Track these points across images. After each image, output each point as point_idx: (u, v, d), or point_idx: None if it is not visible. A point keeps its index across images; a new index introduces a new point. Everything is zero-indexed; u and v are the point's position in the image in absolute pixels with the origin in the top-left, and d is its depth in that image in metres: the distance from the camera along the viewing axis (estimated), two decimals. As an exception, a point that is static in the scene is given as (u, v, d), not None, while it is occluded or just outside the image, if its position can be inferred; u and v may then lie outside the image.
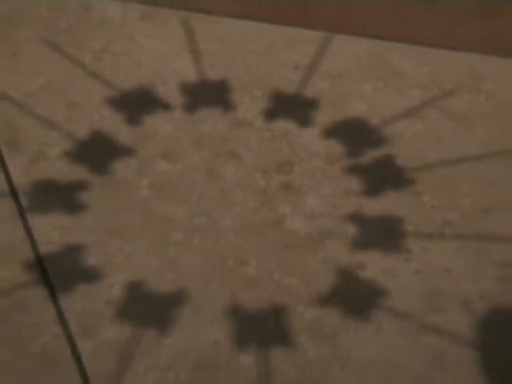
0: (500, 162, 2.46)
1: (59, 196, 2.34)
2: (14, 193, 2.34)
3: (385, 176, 2.42)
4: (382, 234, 2.29)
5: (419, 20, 2.88)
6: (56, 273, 2.17)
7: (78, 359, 2.01)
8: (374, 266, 2.21)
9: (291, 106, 2.60)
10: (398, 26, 2.85)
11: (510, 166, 2.45)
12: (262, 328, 2.09)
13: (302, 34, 2.82)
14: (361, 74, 2.70)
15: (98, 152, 2.45)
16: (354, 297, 2.15)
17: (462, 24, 2.87)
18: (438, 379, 2.01)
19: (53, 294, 2.13)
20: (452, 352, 2.05)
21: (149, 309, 2.12)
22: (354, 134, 2.52)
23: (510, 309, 2.14)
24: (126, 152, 2.46)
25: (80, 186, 2.37)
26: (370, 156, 2.47)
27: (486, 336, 2.08)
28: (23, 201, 2.32)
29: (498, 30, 2.85)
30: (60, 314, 2.09)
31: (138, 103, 2.59)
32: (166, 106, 2.59)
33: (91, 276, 2.17)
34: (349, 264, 2.22)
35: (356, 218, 2.32)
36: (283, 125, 2.55)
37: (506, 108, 2.60)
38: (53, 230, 2.26)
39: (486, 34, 2.83)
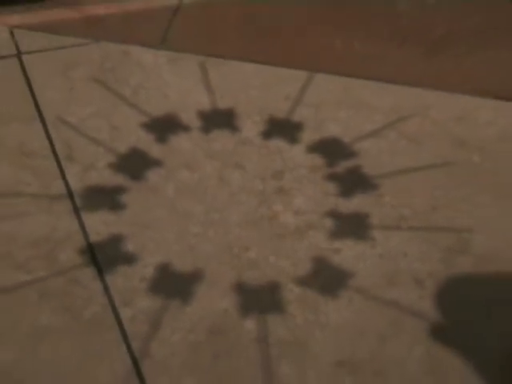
0: (442, 171, 2.44)
1: (105, 198, 2.31)
2: (70, 195, 2.32)
3: (355, 182, 2.40)
4: (353, 227, 2.26)
5: (381, 62, 2.86)
6: (102, 257, 2.15)
7: (119, 323, 2.00)
8: (347, 251, 2.19)
9: (283, 128, 2.57)
10: (365, 67, 2.83)
11: (450, 174, 2.42)
12: (260, 300, 2.07)
13: (290, 73, 2.79)
14: (336, 104, 2.67)
15: (134, 164, 2.43)
16: (331, 275, 2.13)
17: (414, 65, 2.86)
18: (395, 337, 1.99)
19: (100, 274, 2.11)
20: (406, 318, 2.03)
21: (174, 284, 2.10)
22: (331, 150, 2.50)
23: (452, 284, 2.12)
24: (156, 163, 2.43)
25: (120, 189, 2.34)
26: (343, 166, 2.45)
27: (433, 305, 2.06)
28: (77, 201, 2.30)
29: (440, 70, 2.83)
30: (106, 289, 2.07)
31: (165, 126, 2.56)
32: (186, 128, 2.57)
33: (129, 259, 2.15)
34: (327, 249, 2.20)
35: (333, 214, 2.30)
36: (276, 142, 2.53)
37: (446, 130, 2.58)
38: (100, 224, 2.24)
39: (432, 72, 2.82)
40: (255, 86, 2.75)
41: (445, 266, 2.16)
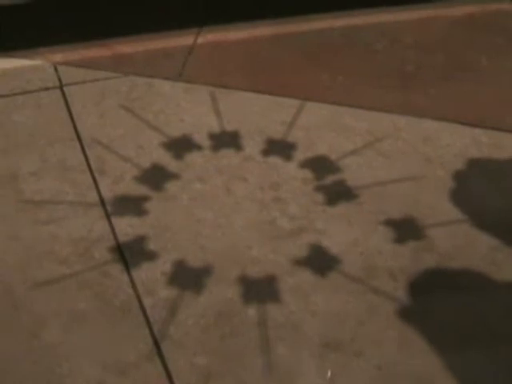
0: (412, 183, 2.42)
1: (131, 205, 2.31)
2: (102, 203, 2.31)
3: (339, 192, 2.38)
4: (339, 230, 2.25)
5: (361, 92, 2.86)
6: (129, 254, 2.14)
7: (143, 310, 1.99)
8: (334, 248, 2.18)
9: (279, 148, 2.56)
10: (347, 97, 2.83)
11: (418, 185, 2.41)
12: (261, 290, 2.05)
13: (285, 101, 2.78)
14: (323, 128, 2.66)
15: (155, 177, 2.42)
16: (320, 269, 2.12)
17: (388, 95, 2.85)
18: (374, 321, 1.98)
19: (127, 268, 2.10)
20: (383, 304, 2.02)
21: (188, 278, 2.09)
22: (320, 166, 2.49)
23: (419, 277, 2.11)
24: (174, 177, 2.42)
25: (144, 198, 2.33)
26: (330, 180, 2.43)
27: (404, 294, 2.05)
28: (108, 208, 2.29)
29: (409, 99, 2.83)
30: (132, 281, 2.06)
31: (181, 145, 2.56)
32: (199, 147, 2.56)
33: (151, 256, 2.14)
34: (318, 247, 2.18)
35: (321, 218, 2.29)
36: (274, 159, 2.52)
37: (415, 149, 2.57)
38: (127, 227, 2.23)
39: (403, 101, 2.81)
40: (256, 112, 2.74)
41: (413, 263, 2.14)
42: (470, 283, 2.10)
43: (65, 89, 2.83)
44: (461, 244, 2.21)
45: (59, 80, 2.88)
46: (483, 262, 2.15)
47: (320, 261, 2.15)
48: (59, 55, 3.04)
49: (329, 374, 1.86)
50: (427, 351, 1.91)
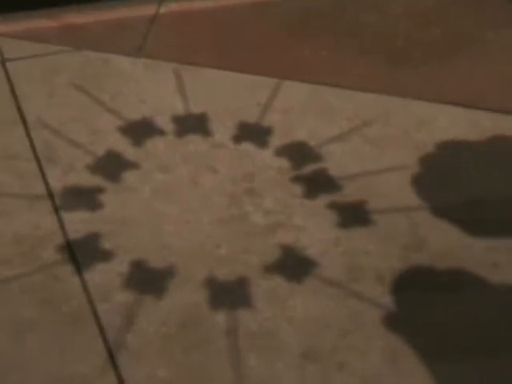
0: (400, 173, 2.45)
1: (83, 198, 2.32)
2: (50, 195, 2.32)
3: (320, 183, 2.41)
4: (318, 226, 2.27)
5: (347, 70, 2.88)
6: (81, 253, 2.15)
7: (96, 317, 2.00)
8: (313, 248, 2.21)
9: (253, 133, 2.58)
10: (330, 75, 2.85)
11: (410, 176, 2.44)
12: (230, 294, 2.07)
13: (260, 80, 2.80)
14: (303, 110, 2.69)
15: (111, 165, 2.43)
16: (298, 270, 2.14)
17: (377, 73, 2.88)
18: (358, 329, 2.00)
19: (78, 269, 2.11)
20: (367, 311, 2.05)
21: (148, 280, 2.10)
22: (298, 153, 2.51)
23: (407, 280, 2.14)
24: (132, 166, 2.44)
25: (98, 190, 2.35)
26: (309, 169, 2.46)
27: (392, 300, 2.08)
28: (57, 201, 2.30)
29: (400, 78, 2.86)
30: (84, 284, 2.07)
31: (141, 130, 2.57)
32: (161, 132, 2.57)
33: (106, 256, 2.15)
34: (294, 247, 2.21)
35: (299, 214, 2.31)
36: (247, 146, 2.54)
37: (406, 135, 2.60)
38: (78, 222, 2.24)
39: (393, 80, 2.84)
40: (227, 93, 2.75)
41: (403, 263, 2.17)
42: (463, 285, 2.14)
43: (7, 64, 2.82)
44: (455, 243, 2.24)
45: (1, 54, 2.87)
46: (479, 262, 2.19)
47: (298, 261, 2.18)
48: (0, 26, 3.03)
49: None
50: (416, 362, 1.94)
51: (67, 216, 2.26)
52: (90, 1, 3.15)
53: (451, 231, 2.27)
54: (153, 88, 2.76)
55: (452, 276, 2.15)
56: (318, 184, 2.41)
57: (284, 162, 2.48)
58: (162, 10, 3.19)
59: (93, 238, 2.20)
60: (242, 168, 2.46)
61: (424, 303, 2.08)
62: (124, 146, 2.50)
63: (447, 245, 2.23)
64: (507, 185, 2.43)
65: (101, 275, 2.10)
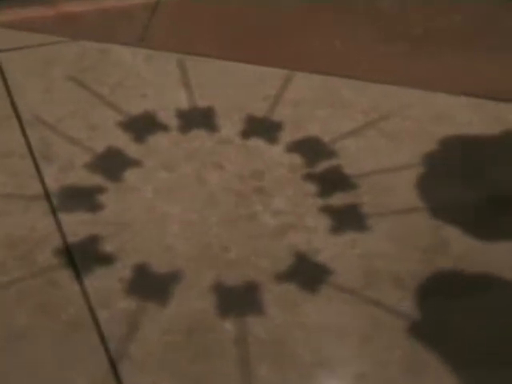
0: (419, 170, 2.46)
1: (82, 198, 2.32)
2: (47, 195, 2.33)
3: (334, 182, 2.41)
4: (333, 227, 2.27)
5: (361, 61, 2.88)
6: (80, 258, 2.16)
7: (97, 325, 2.00)
8: (327, 251, 2.21)
9: (262, 128, 2.59)
10: (344, 66, 2.85)
11: (429, 173, 2.44)
12: (239, 300, 2.08)
13: (270, 72, 2.80)
14: (315, 103, 2.69)
15: (111, 163, 2.44)
16: (311, 274, 2.15)
17: (394, 64, 2.87)
18: (376, 337, 2.00)
19: (77, 274, 2.12)
20: (386, 319, 2.05)
21: (152, 285, 2.11)
22: (311, 149, 2.51)
23: (430, 284, 2.14)
24: (134, 163, 2.44)
25: (98, 190, 2.35)
26: (322, 166, 2.46)
27: (412, 305, 2.08)
28: (54, 201, 2.31)
29: (419, 69, 2.85)
30: (83, 290, 2.08)
31: (143, 125, 2.57)
32: (165, 128, 2.58)
33: (107, 260, 2.16)
34: (307, 250, 2.21)
35: (312, 214, 2.31)
36: (256, 142, 2.54)
37: (426, 129, 2.60)
38: (77, 224, 2.25)
39: (412, 71, 2.84)
40: (234, 85, 2.76)
41: (423, 267, 2.17)
42: (490, 289, 2.14)
43: (0, 55, 2.83)
44: (479, 244, 2.24)
45: (-7, 45, 2.89)
46: (506, 264, 2.19)
47: (310, 265, 2.18)
48: (-8, 15, 3.05)
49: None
50: (441, 372, 1.94)
51: (65, 217, 2.27)
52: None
53: (474, 232, 2.27)
54: (155, 80, 2.77)
55: (477, 279, 2.15)
56: (331, 182, 2.41)
57: (295, 159, 2.49)
58: (165, -4, 3.21)
59: (92, 241, 2.21)
60: (251, 165, 2.46)
61: (447, 309, 2.08)
62: (125, 143, 2.51)
63: (470, 246, 2.23)
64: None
65: (101, 280, 2.11)
